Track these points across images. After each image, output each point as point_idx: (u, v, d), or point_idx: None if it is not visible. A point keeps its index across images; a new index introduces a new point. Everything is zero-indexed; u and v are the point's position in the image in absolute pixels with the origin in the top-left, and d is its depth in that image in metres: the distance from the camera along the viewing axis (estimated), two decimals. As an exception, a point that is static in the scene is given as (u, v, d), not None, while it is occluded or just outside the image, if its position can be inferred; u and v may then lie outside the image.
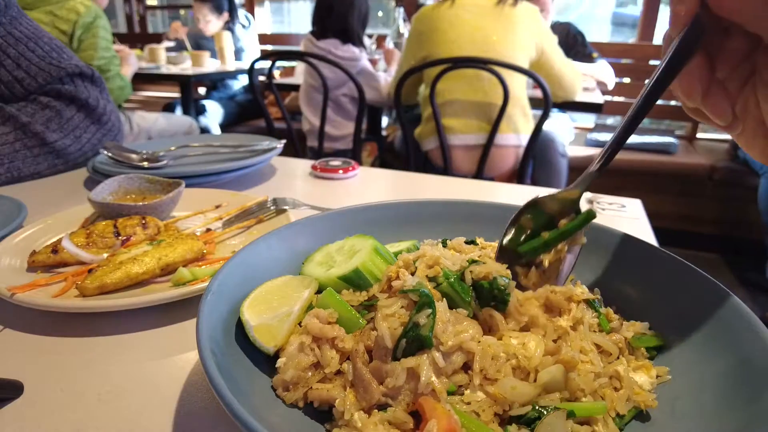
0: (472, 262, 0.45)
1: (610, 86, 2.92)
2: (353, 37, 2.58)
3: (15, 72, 1.07)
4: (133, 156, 1.06)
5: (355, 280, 0.47)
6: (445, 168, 2.13)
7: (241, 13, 4.25)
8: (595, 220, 0.55)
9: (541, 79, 1.93)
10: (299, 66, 2.79)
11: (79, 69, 1.14)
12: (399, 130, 2.73)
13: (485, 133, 2.04)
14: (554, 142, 2.42)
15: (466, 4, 1.99)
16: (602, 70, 2.89)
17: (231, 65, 3.70)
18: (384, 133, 3.17)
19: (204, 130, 3.50)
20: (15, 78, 1.07)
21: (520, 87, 2.04)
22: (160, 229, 0.72)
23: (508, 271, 0.43)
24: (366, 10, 2.64)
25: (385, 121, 3.27)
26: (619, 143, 0.42)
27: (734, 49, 0.38)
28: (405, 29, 3.36)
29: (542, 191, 1.06)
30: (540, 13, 2.05)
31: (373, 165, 2.96)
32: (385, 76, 2.72)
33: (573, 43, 2.99)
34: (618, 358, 0.43)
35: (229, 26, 4.03)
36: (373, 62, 3.25)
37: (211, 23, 3.96)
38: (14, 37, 1.07)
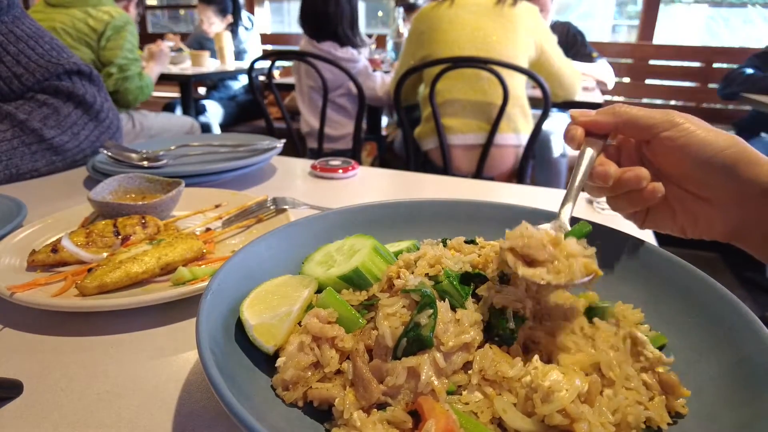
0: (502, 279, 0.44)
1: (610, 86, 2.92)
2: (344, 41, 2.58)
3: (14, 68, 1.07)
4: (133, 155, 1.06)
5: (355, 280, 0.47)
6: (444, 168, 2.13)
7: (244, 14, 4.25)
8: (595, 221, 0.55)
9: (541, 78, 1.92)
10: (295, 66, 2.78)
11: (77, 66, 1.14)
12: (399, 131, 2.73)
13: (485, 132, 2.04)
14: (553, 142, 2.42)
15: (466, 3, 1.99)
16: (602, 70, 2.89)
17: (231, 65, 3.71)
18: (384, 132, 3.17)
19: (206, 128, 3.51)
20: (14, 74, 1.07)
21: (519, 87, 2.04)
22: (160, 228, 0.72)
23: (527, 308, 0.42)
24: (351, 12, 2.61)
25: (384, 121, 3.28)
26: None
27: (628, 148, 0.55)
28: (404, 29, 3.36)
29: (542, 191, 1.06)
30: (540, 13, 2.05)
31: (372, 165, 2.96)
32: (382, 76, 2.72)
33: (573, 43, 2.99)
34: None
35: (232, 28, 4.04)
36: (374, 63, 3.26)
37: (215, 25, 3.97)
38: (15, 35, 1.08)
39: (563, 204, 0.49)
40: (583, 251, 0.42)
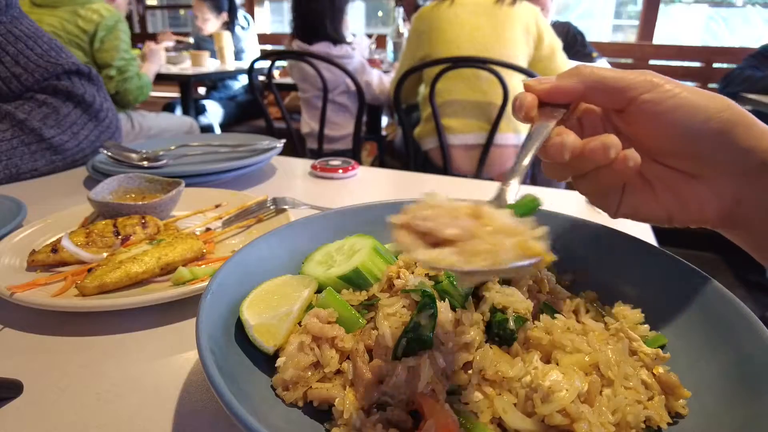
0: (503, 282, 0.43)
1: None
2: (333, 39, 2.57)
3: (13, 68, 1.07)
4: (133, 155, 1.06)
5: (354, 280, 0.47)
6: (444, 168, 2.13)
7: (240, 13, 4.25)
8: (596, 220, 0.55)
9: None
10: (290, 68, 2.78)
11: (76, 66, 1.14)
12: (399, 128, 2.72)
13: (485, 132, 2.04)
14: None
15: (465, 3, 1.99)
16: None
17: (231, 65, 3.71)
18: (383, 132, 3.17)
19: (208, 129, 3.51)
20: (13, 74, 1.07)
21: (519, 86, 2.04)
22: (160, 228, 0.72)
23: (528, 311, 0.40)
24: (335, 10, 2.60)
25: (384, 120, 3.27)
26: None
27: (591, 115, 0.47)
28: (404, 29, 3.36)
29: (540, 191, 1.06)
30: (541, 13, 2.05)
31: (372, 165, 2.96)
32: (379, 74, 2.72)
33: (572, 43, 2.99)
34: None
35: (228, 27, 4.03)
36: (374, 63, 3.25)
37: (210, 22, 3.96)
38: (14, 35, 1.08)
39: (506, 179, 0.39)
40: (524, 229, 0.31)
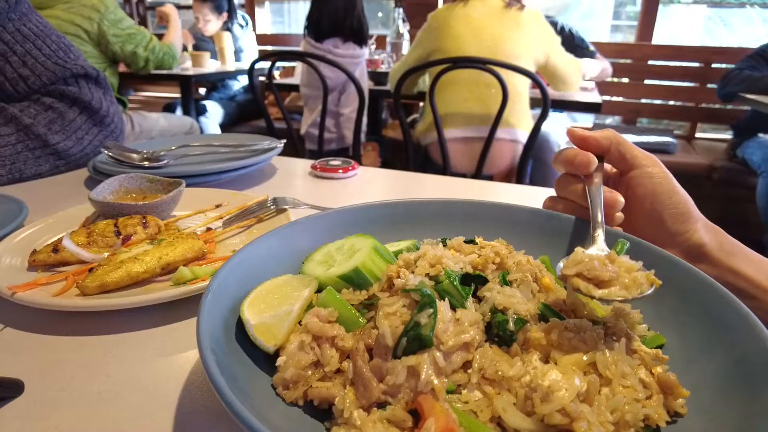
0: (505, 281, 0.44)
1: (607, 74, 2.99)
2: (358, 35, 2.59)
3: (20, 69, 1.07)
4: (134, 155, 1.06)
5: (355, 280, 0.47)
6: (444, 165, 2.16)
7: (239, 13, 4.26)
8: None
9: (540, 80, 1.97)
10: (299, 66, 2.79)
11: (84, 70, 1.14)
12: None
13: (485, 125, 2.10)
14: (550, 142, 2.45)
15: (477, 5, 2.11)
16: (601, 65, 2.96)
17: (231, 66, 3.71)
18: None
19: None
20: (20, 75, 1.07)
21: (521, 84, 2.10)
22: (161, 228, 0.72)
23: (529, 312, 0.42)
24: (362, 6, 2.65)
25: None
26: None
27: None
28: (404, 30, 3.37)
29: (541, 191, 1.07)
30: (543, 16, 2.15)
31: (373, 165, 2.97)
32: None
33: (568, 39, 3.04)
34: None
35: (227, 26, 4.04)
36: (375, 63, 3.26)
37: (211, 23, 3.97)
38: (22, 34, 1.07)
39: (594, 230, 0.51)
40: (635, 265, 0.43)
